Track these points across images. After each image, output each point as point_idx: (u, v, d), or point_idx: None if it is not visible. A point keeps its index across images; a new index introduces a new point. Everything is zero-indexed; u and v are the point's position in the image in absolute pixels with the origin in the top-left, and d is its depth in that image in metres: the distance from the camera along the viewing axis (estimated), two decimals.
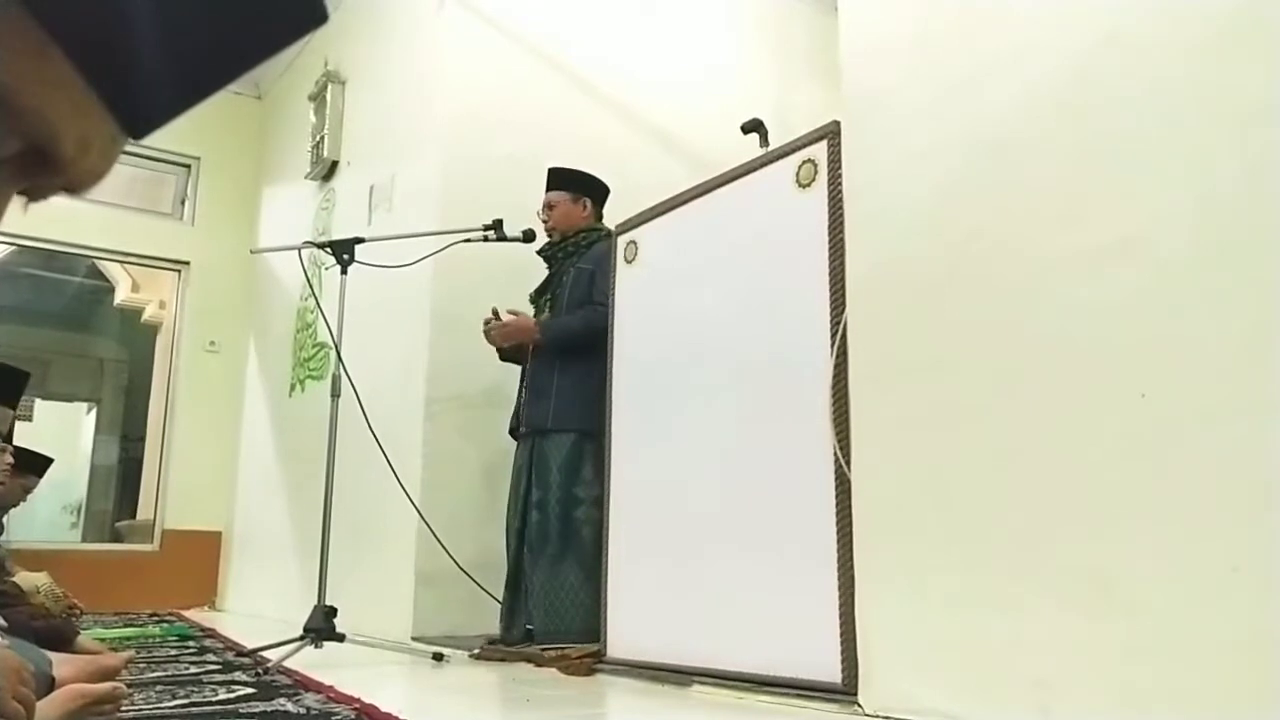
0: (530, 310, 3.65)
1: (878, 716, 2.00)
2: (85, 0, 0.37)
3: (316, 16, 0.44)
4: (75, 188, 0.43)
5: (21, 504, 4.61)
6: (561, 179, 3.65)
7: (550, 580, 3.27)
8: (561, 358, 3.42)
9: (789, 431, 2.43)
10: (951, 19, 2.09)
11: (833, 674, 2.15)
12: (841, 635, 2.15)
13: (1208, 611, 1.49)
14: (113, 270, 7.53)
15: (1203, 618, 1.50)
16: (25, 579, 3.53)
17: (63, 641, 2.33)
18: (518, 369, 3.61)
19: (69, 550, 6.86)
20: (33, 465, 4.29)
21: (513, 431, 3.60)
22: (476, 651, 3.24)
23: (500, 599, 3.48)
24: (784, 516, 2.40)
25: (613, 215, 3.41)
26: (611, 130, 4.54)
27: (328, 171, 5.59)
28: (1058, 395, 1.77)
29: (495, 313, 3.53)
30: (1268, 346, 1.48)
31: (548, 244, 3.62)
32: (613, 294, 3.19)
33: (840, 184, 2.36)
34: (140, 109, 0.41)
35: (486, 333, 3.54)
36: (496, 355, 3.64)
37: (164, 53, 0.39)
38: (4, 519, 4.25)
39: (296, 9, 0.44)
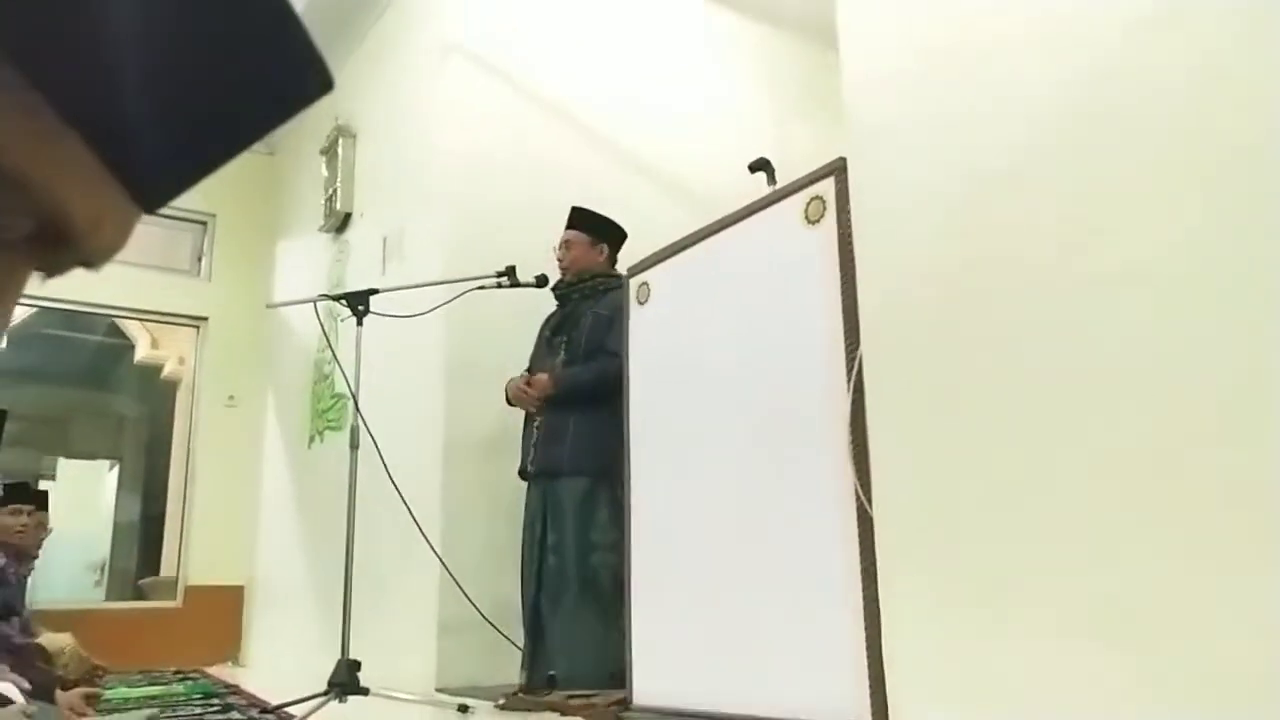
0: (542, 351, 3.66)
1: None
2: (96, 78, 0.37)
3: (324, 85, 0.45)
4: (91, 262, 0.43)
5: (41, 556, 4.62)
6: (582, 220, 3.67)
7: (570, 626, 3.25)
8: (575, 404, 3.42)
9: (808, 469, 2.41)
10: (953, 51, 2.10)
11: (862, 713, 2.12)
12: (869, 674, 2.12)
13: (1230, 641, 1.47)
14: (132, 328, 7.61)
15: (1225, 648, 1.47)
16: (50, 640, 3.53)
17: None
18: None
19: (92, 610, 6.86)
20: (37, 500, 4.32)
21: (522, 473, 3.59)
22: (502, 701, 3.21)
23: (522, 646, 3.45)
24: (807, 555, 2.38)
25: (622, 256, 3.42)
26: (618, 173, 4.57)
27: (341, 224, 5.65)
28: (1071, 422, 1.76)
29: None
30: (1273, 373, 1.46)
31: (562, 282, 3.63)
32: (626, 336, 3.19)
33: (849, 219, 2.36)
34: (153, 183, 0.41)
35: (512, 390, 3.57)
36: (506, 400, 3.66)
37: (176, 126, 0.40)
38: (29, 578, 4.26)
39: (305, 79, 0.44)
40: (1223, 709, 1.47)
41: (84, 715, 1.93)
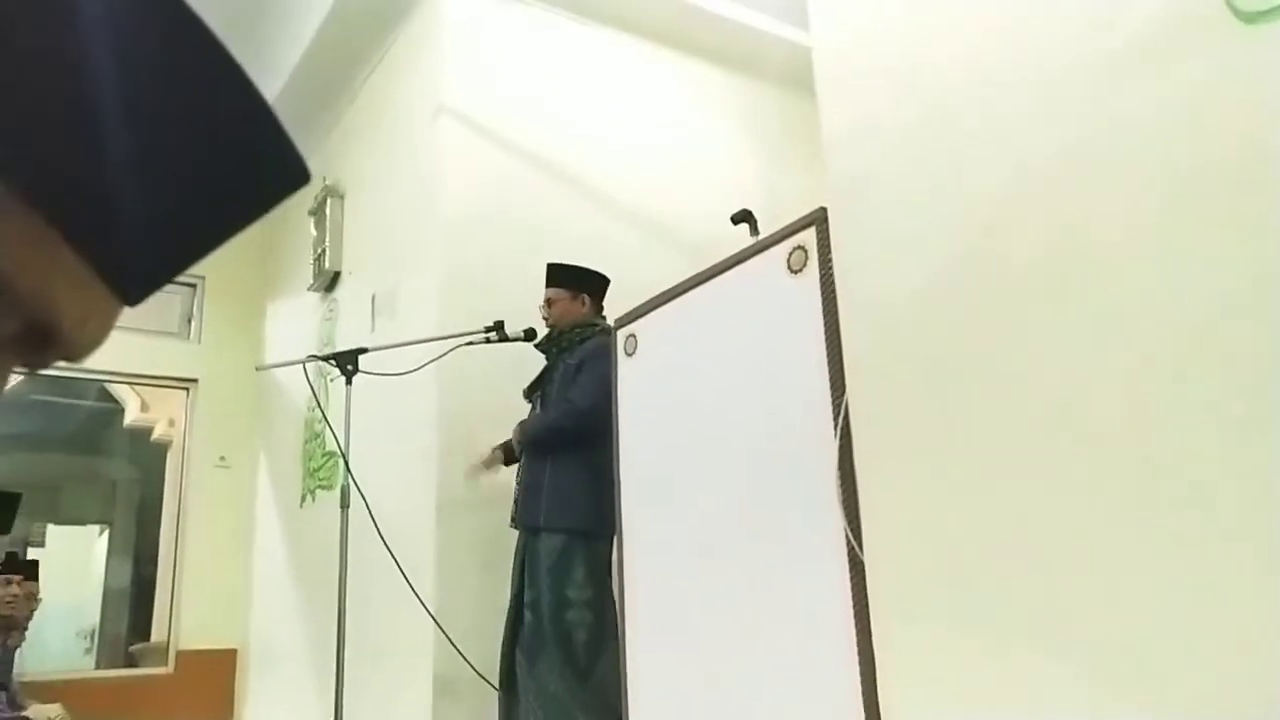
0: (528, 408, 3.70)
1: None
2: (79, 182, 0.39)
3: (299, 180, 0.47)
4: (73, 357, 0.44)
5: (29, 627, 4.58)
6: (560, 276, 3.70)
7: (545, 684, 3.22)
8: (549, 455, 3.44)
9: (799, 515, 2.42)
10: (932, 101, 2.14)
11: None
12: None
13: (1232, 680, 1.47)
14: (121, 391, 7.59)
15: (1227, 686, 1.47)
16: (38, 712, 3.49)
17: None
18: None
19: (82, 679, 6.76)
20: (26, 570, 4.30)
21: (513, 522, 3.61)
22: None
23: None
24: (801, 601, 2.37)
25: (611, 308, 3.45)
26: (607, 224, 4.62)
27: (330, 283, 5.68)
28: (1060, 465, 1.77)
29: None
30: (1269, 411, 1.48)
31: (545, 339, 3.66)
32: (615, 388, 3.21)
33: (831, 268, 2.39)
34: (136, 280, 0.42)
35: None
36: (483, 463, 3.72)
37: (157, 223, 0.41)
38: (18, 649, 4.21)
39: (282, 173, 0.46)
40: None
41: None
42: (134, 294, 0.42)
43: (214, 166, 0.43)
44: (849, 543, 2.24)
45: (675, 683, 2.75)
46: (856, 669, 2.16)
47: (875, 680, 2.09)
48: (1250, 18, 1.54)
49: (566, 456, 3.40)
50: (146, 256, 0.42)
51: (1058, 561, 1.75)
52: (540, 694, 3.22)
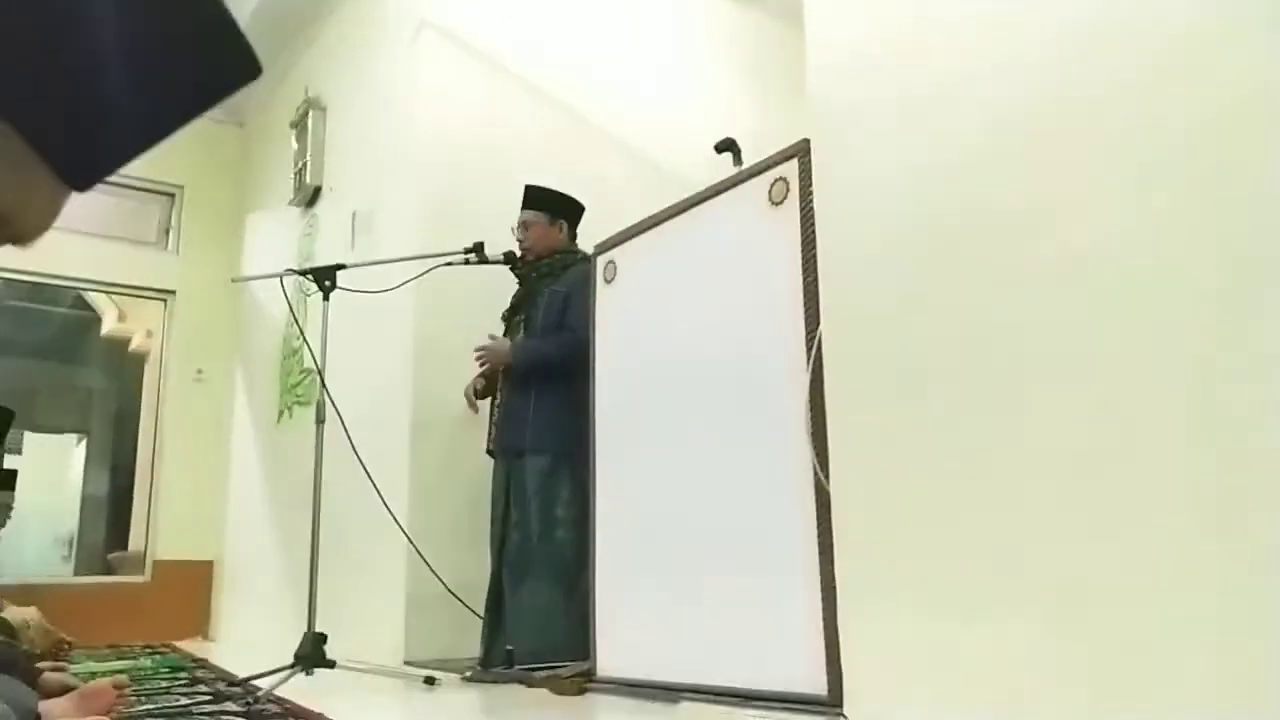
0: (502, 331, 3.69)
1: None
2: (21, 65, 0.39)
3: (249, 73, 0.46)
4: (20, 240, 0.44)
5: (7, 529, 4.64)
6: (539, 199, 3.67)
7: (534, 602, 3.29)
8: (536, 382, 3.44)
9: (768, 446, 2.45)
10: (918, 35, 2.12)
11: (818, 687, 2.17)
12: (826, 648, 2.17)
13: (1178, 616, 1.52)
14: (99, 301, 7.53)
15: (1173, 622, 1.52)
16: (14, 614, 3.52)
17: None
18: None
19: (59, 584, 6.83)
20: (3, 480, 4.32)
21: (489, 450, 3.63)
22: (468, 674, 3.24)
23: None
24: (766, 531, 2.42)
25: (592, 234, 3.43)
26: (589, 149, 4.57)
27: (310, 198, 5.62)
28: (1029, 405, 1.79)
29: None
30: (1232, 353, 1.50)
31: (523, 262, 3.64)
32: (593, 314, 3.21)
33: (811, 201, 2.39)
34: (80, 164, 0.42)
35: (477, 357, 3.59)
36: (473, 392, 3.69)
37: (101, 110, 0.41)
38: None
39: (230, 68, 0.46)
40: (1179, 683, 1.52)
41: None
42: (80, 179, 0.42)
43: (162, 57, 0.43)
44: (816, 474, 2.27)
45: (643, 603, 2.81)
46: (819, 596, 2.21)
47: (835, 608, 2.14)
48: None
49: (550, 383, 3.41)
50: (94, 144, 0.42)
51: (1021, 498, 1.79)
52: (530, 611, 3.28)
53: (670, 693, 2.57)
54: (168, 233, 7.10)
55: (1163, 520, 1.56)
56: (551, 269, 3.59)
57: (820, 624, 2.20)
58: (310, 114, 5.56)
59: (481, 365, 3.58)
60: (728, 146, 2.93)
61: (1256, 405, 1.46)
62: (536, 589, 3.29)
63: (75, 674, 3.10)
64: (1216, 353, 1.52)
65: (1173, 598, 1.53)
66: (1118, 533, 1.62)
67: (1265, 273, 1.47)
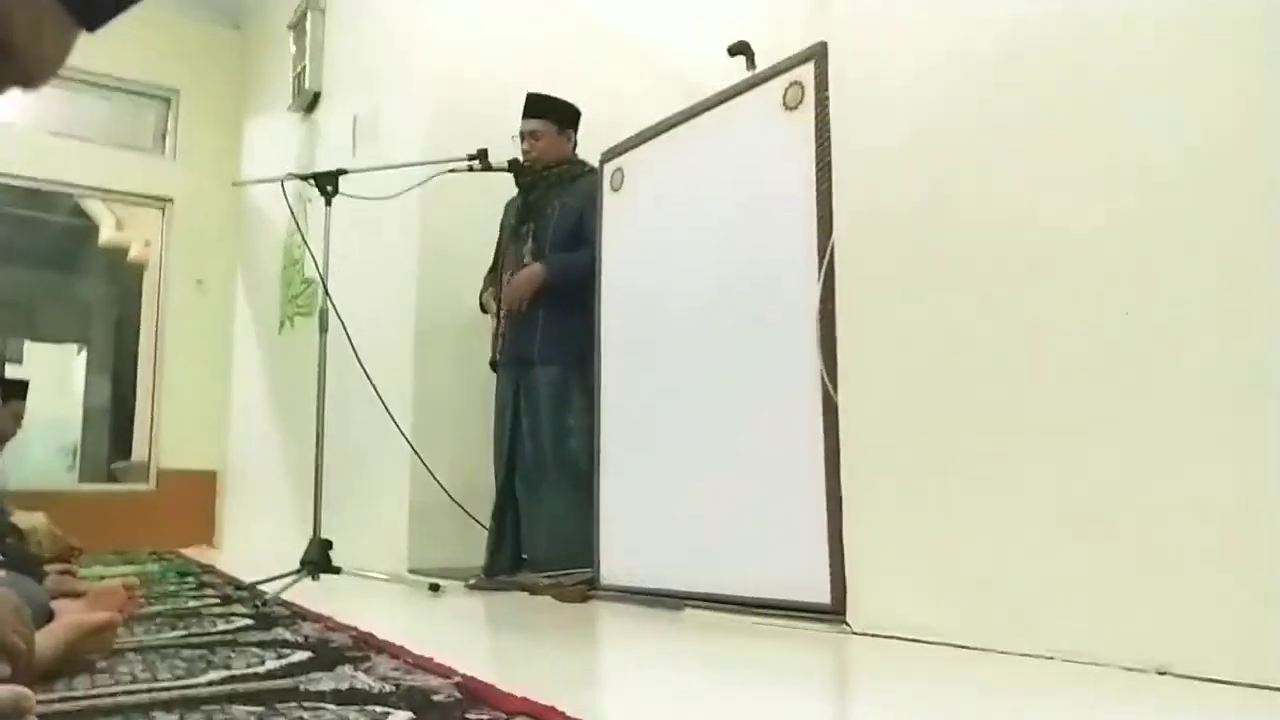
0: (503, 240, 3.62)
1: (865, 635, 2.03)
2: None
3: None
4: (30, 79, 0.42)
5: (16, 438, 4.66)
6: (546, 108, 3.57)
7: (551, 509, 3.30)
8: (569, 288, 3.37)
9: (777, 356, 2.42)
10: None
11: (822, 595, 2.18)
12: (830, 557, 2.18)
13: (1180, 526, 1.51)
14: (96, 209, 7.44)
15: (1175, 532, 1.52)
16: (22, 519, 3.55)
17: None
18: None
19: (65, 491, 6.90)
20: (12, 389, 4.33)
21: (493, 364, 3.59)
22: (472, 581, 3.28)
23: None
24: (773, 441, 2.41)
25: (601, 140, 3.35)
26: (597, 54, 4.45)
27: (310, 103, 5.50)
28: (1042, 319, 1.77)
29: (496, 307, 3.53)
30: (1250, 268, 1.47)
31: (530, 170, 3.54)
32: (600, 222, 3.16)
33: (827, 106, 2.32)
34: (94, 5, 0.41)
35: (507, 294, 3.46)
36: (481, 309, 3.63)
37: None
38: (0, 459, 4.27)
39: None
40: (1175, 590, 1.52)
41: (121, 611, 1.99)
42: (90, 15, 0.40)
43: None
44: (824, 383, 2.25)
45: (647, 512, 2.82)
46: (824, 504, 2.21)
47: (840, 518, 2.15)
48: None
49: (557, 295, 3.37)
50: None
51: (1025, 414, 1.77)
52: (548, 517, 3.30)
53: (674, 600, 2.59)
54: (164, 138, 6.98)
55: (1171, 428, 1.54)
56: (561, 179, 3.51)
57: (825, 533, 2.20)
58: (309, 15, 5.41)
59: (518, 303, 3.43)
60: (741, 49, 2.85)
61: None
62: (554, 497, 3.29)
63: (84, 577, 3.14)
64: (1236, 263, 1.49)
65: (1175, 503, 1.52)
66: (1124, 441, 1.61)
67: None
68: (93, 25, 0.42)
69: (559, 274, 3.37)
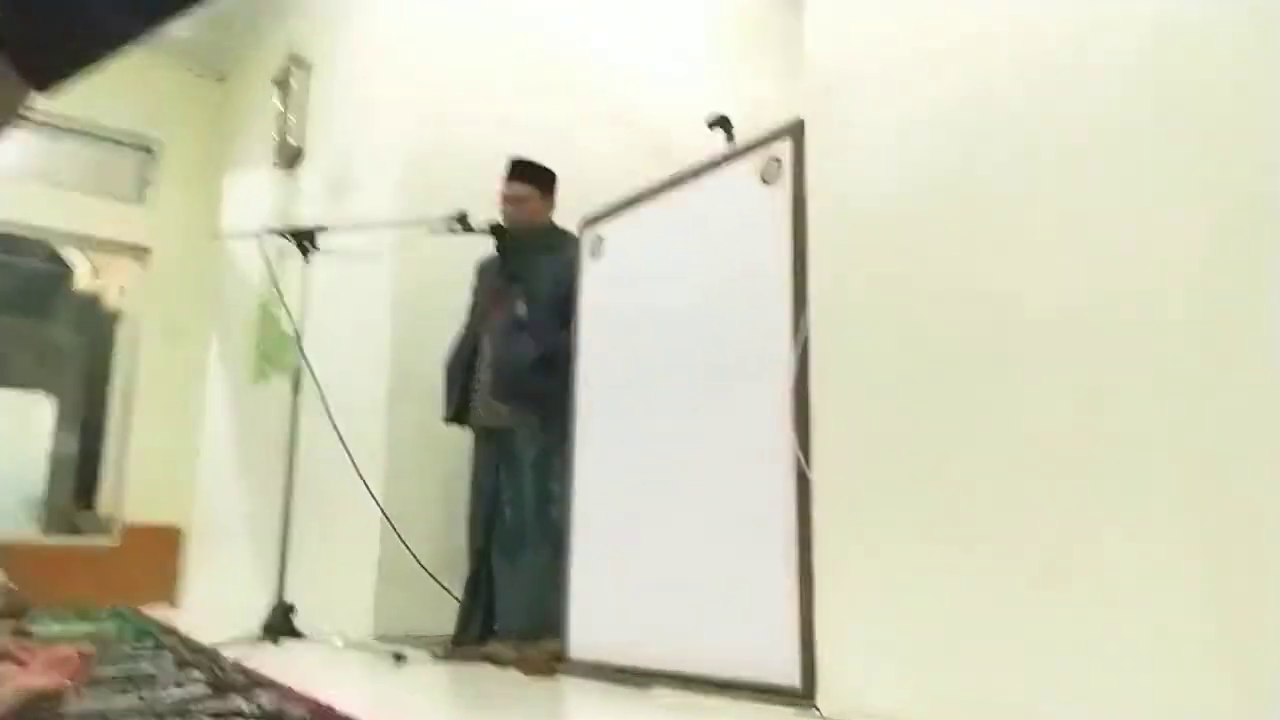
0: (491, 298, 3.60)
1: None
2: None
3: None
4: None
5: None
6: (533, 173, 3.57)
7: (530, 575, 3.23)
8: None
9: (751, 431, 2.41)
10: (908, 15, 2.09)
11: (792, 678, 2.14)
12: (801, 639, 2.14)
13: (1161, 605, 1.49)
14: (72, 255, 7.39)
15: (1156, 612, 1.50)
16: None
17: None
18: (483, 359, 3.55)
19: (25, 543, 6.73)
20: None
21: (453, 418, 3.54)
22: (439, 652, 3.21)
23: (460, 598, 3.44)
24: (745, 518, 2.39)
25: (579, 206, 3.36)
26: (578, 120, 4.49)
27: (292, 158, 5.51)
28: (1022, 391, 1.76)
29: None
30: (1225, 317, 1.48)
31: (511, 232, 3.53)
32: (578, 289, 3.15)
33: (804, 182, 2.34)
34: (43, 62, 0.40)
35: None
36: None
37: (70, 16, 0.39)
38: None
39: None
40: (1157, 659, 1.50)
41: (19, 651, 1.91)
42: (41, 77, 0.40)
43: None
44: (798, 459, 2.24)
45: (617, 585, 2.78)
46: (796, 582, 2.18)
47: (812, 599, 2.12)
48: None
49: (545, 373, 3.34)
50: (56, 41, 0.39)
51: (1010, 490, 1.76)
52: (528, 584, 3.23)
53: (643, 677, 2.54)
54: (144, 189, 6.96)
55: (1142, 490, 1.53)
56: (549, 242, 3.50)
57: (797, 614, 2.17)
58: (294, 72, 5.44)
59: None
60: (720, 123, 2.88)
61: (1247, 376, 1.43)
62: (533, 565, 3.23)
63: (36, 634, 3.05)
64: (1211, 316, 1.49)
65: (1154, 578, 1.50)
66: (1097, 526, 1.60)
67: (1261, 233, 1.44)
68: (43, 86, 0.41)
69: (550, 353, 3.32)
